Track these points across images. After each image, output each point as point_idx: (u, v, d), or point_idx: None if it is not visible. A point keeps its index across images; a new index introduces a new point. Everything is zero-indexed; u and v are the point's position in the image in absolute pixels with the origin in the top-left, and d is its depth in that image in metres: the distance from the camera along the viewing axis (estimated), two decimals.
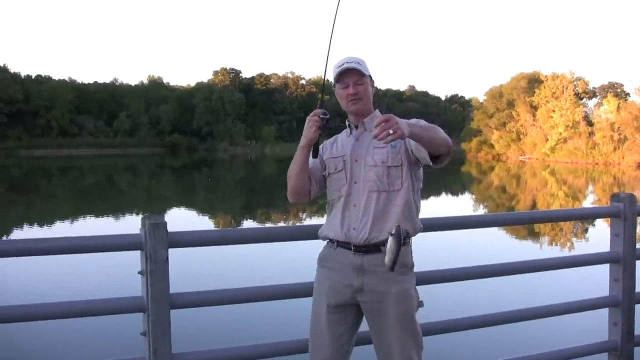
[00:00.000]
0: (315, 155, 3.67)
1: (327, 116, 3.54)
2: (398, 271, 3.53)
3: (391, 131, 3.11)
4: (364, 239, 3.54)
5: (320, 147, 3.83)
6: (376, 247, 3.54)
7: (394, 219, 3.55)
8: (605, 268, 5.14)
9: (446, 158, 3.53)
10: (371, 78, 3.71)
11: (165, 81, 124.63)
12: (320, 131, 3.54)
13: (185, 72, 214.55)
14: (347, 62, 3.63)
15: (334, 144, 3.82)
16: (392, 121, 3.13)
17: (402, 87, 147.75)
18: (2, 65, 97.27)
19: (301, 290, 4.03)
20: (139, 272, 3.69)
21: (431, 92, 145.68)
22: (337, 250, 3.66)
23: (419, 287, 3.72)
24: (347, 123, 3.79)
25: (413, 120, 3.46)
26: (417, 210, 3.70)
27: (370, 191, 3.58)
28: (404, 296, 3.60)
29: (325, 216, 3.84)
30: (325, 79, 3.70)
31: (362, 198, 3.59)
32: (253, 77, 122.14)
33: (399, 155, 3.59)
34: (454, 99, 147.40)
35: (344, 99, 3.67)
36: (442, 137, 3.44)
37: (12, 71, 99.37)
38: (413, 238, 3.71)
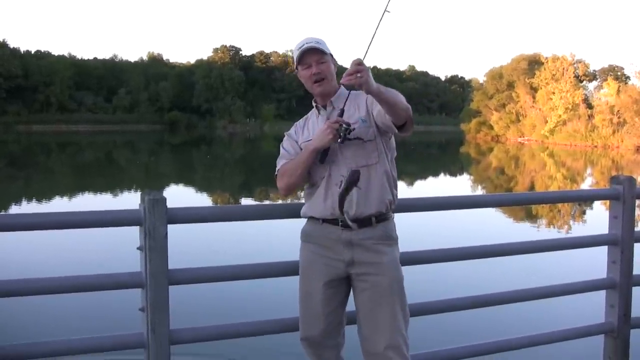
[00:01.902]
0: (322, 160, 3.63)
1: (350, 127, 3.49)
2: (385, 242, 3.65)
3: (359, 74, 3.15)
4: (352, 214, 3.55)
5: (293, 129, 3.89)
6: (364, 221, 3.59)
7: (377, 191, 3.62)
8: (603, 250, 5.15)
9: (410, 127, 3.53)
10: (332, 56, 3.72)
11: (165, 58, 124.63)
12: (336, 140, 3.51)
13: (185, 49, 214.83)
14: (307, 43, 3.64)
15: (305, 127, 3.84)
16: (364, 67, 3.17)
17: (402, 67, 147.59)
18: (1, 40, 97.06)
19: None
20: (137, 248, 3.69)
21: (431, 73, 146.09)
22: (322, 225, 3.70)
23: (417, 267, 3.75)
24: (314, 104, 3.81)
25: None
26: (394, 180, 3.77)
27: (349, 168, 3.56)
28: (395, 265, 3.69)
29: (303, 197, 3.87)
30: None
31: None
32: (253, 55, 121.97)
33: (371, 128, 3.62)
34: (454, 80, 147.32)
35: (308, 80, 3.68)
36: (403, 103, 3.44)
37: (11, 46, 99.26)
38: (409, 217, 3.74)
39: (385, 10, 3.54)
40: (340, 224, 3.61)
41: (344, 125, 3.47)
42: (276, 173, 3.82)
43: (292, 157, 3.78)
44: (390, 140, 3.75)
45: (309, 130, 3.80)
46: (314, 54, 3.64)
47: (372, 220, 3.61)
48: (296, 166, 3.69)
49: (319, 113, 3.79)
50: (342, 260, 3.64)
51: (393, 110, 3.40)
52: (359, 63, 3.19)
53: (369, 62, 3.53)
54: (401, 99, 3.44)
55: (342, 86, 3.75)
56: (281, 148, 3.88)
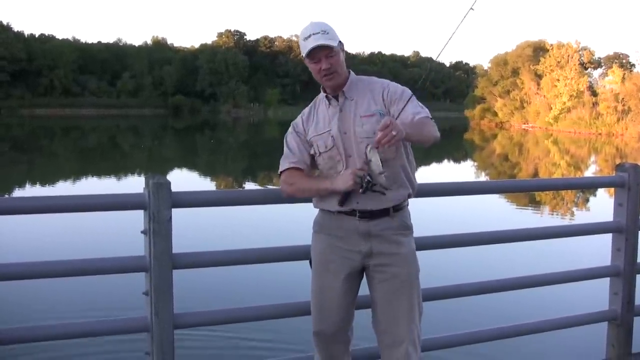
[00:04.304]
0: (342, 204, 3.49)
1: (371, 180, 3.32)
2: (402, 233, 3.58)
3: (394, 132, 3.10)
4: (369, 207, 3.48)
5: (299, 119, 3.73)
6: (381, 212, 3.51)
7: (396, 184, 3.52)
8: (607, 238, 5.14)
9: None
10: (341, 43, 3.53)
11: (169, 42, 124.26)
12: (357, 189, 3.38)
13: (189, 34, 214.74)
14: (313, 34, 3.45)
15: (314, 116, 3.68)
16: (393, 125, 3.12)
17: (407, 52, 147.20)
18: (5, 23, 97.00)
19: (303, 253, 4.02)
20: (142, 232, 3.68)
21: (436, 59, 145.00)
22: (337, 215, 3.58)
23: (418, 253, 3.73)
24: (323, 94, 3.64)
25: (409, 113, 3.44)
26: (413, 169, 3.69)
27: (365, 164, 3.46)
28: (413, 256, 3.63)
29: None
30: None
31: None
32: (257, 40, 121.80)
33: None
34: (459, 66, 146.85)
35: (318, 74, 3.52)
36: (430, 137, 3.45)
37: (15, 30, 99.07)
38: (413, 202, 3.71)
39: (470, 8, 3.52)
40: (357, 215, 3.52)
41: (367, 177, 3.32)
42: (280, 172, 3.68)
43: (296, 157, 3.64)
44: None
45: (319, 123, 3.63)
46: (322, 49, 3.46)
47: (389, 210, 3.53)
48: (307, 191, 3.62)
49: (329, 104, 3.62)
50: (358, 252, 3.55)
51: (418, 143, 3.47)
52: (387, 125, 3.12)
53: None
54: (427, 134, 3.44)
55: (351, 72, 3.63)
56: (285, 144, 3.72)
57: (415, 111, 3.45)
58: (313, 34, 3.45)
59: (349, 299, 3.68)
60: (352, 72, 3.65)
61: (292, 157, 3.65)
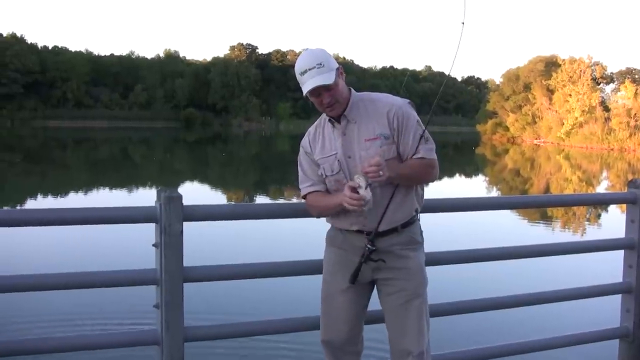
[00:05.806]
0: (353, 281, 3.58)
1: (374, 249, 3.49)
2: (410, 247, 3.61)
3: (381, 173, 3.28)
4: (375, 227, 3.50)
5: (306, 140, 3.74)
6: (389, 230, 3.55)
7: (402, 204, 3.56)
8: (619, 254, 5.11)
9: None
10: (338, 69, 3.47)
11: (181, 55, 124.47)
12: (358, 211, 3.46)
13: (202, 47, 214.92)
14: (309, 70, 3.40)
15: (320, 138, 3.68)
16: (382, 166, 3.29)
17: (419, 67, 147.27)
18: (19, 35, 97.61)
19: (314, 268, 4.02)
20: (153, 245, 3.69)
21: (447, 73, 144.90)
22: (347, 233, 3.66)
23: (430, 268, 3.74)
24: (327, 117, 3.63)
25: (409, 149, 3.52)
26: (421, 185, 3.73)
27: (372, 187, 3.48)
28: (421, 269, 3.66)
29: None
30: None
31: None
32: (269, 53, 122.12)
33: (392, 145, 3.51)
34: (471, 80, 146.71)
35: (320, 106, 3.53)
36: (426, 177, 3.63)
37: (29, 42, 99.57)
38: (423, 217, 3.73)
39: (462, 22, 3.52)
40: (365, 234, 3.55)
41: (368, 246, 3.48)
42: (302, 196, 3.76)
43: (312, 180, 3.70)
44: None
45: (325, 145, 3.64)
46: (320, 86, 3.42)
47: (397, 227, 3.57)
48: (327, 209, 3.68)
49: (333, 127, 3.61)
50: (366, 265, 3.56)
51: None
52: (378, 164, 3.27)
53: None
54: (418, 178, 3.60)
55: (352, 92, 3.59)
56: (299, 167, 3.77)
57: (414, 148, 3.52)
58: (309, 69, 3.41)
59: (355, 310, 3.72)
60: (352, 91, 3.62)
61: (308, 181, 3.73)
